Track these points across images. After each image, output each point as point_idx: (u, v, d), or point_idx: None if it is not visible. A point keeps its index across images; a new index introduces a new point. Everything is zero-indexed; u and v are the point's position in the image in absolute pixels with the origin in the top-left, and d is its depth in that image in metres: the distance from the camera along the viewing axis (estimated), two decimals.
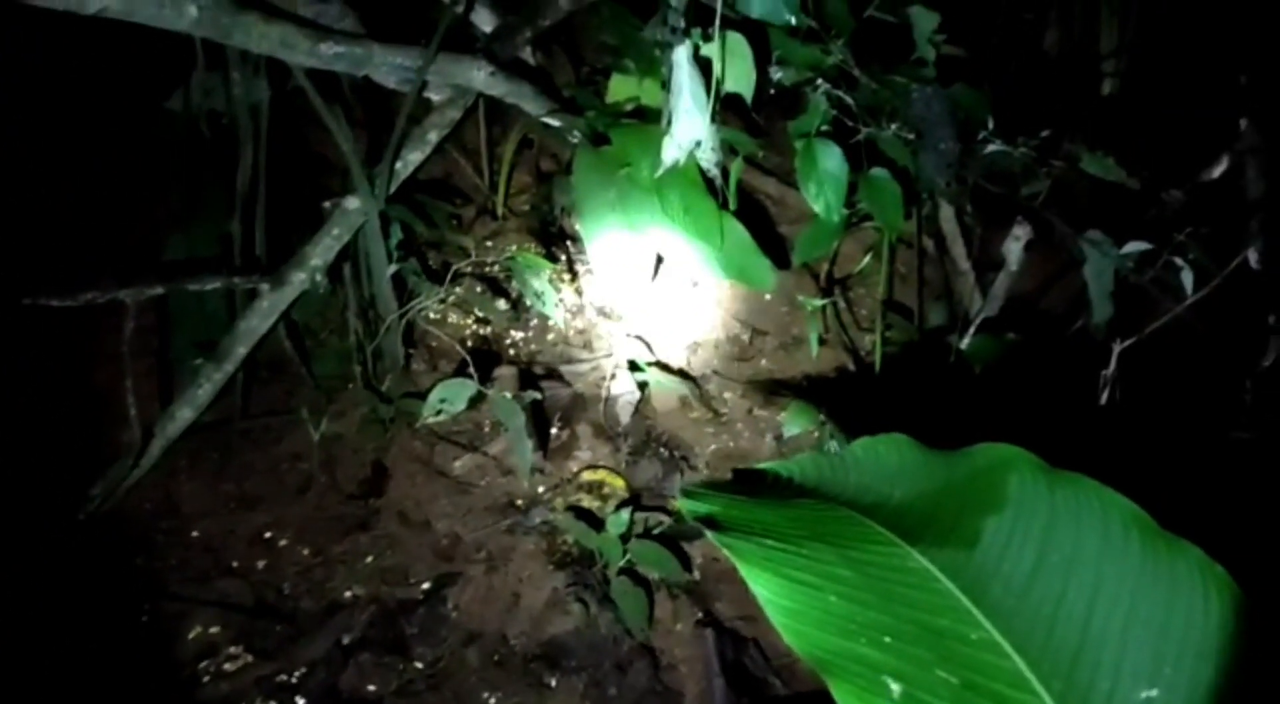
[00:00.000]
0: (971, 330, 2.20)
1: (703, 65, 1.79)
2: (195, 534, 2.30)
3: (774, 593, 1.01)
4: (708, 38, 1.79)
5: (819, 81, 1.88)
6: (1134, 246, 1.79)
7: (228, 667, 2.07)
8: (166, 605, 2.15)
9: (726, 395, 2.55)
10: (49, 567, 2.12)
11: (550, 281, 2.59)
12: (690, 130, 1.82)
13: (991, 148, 1.87)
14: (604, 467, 2.37)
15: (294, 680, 2.04)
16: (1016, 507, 1.09)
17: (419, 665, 2.07)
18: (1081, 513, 1.06)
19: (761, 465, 1.35)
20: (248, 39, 1.72)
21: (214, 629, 2.13)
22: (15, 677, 1.92)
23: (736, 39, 1.84)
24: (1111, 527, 1.03)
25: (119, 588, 2.17)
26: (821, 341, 2.57)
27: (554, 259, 2.73)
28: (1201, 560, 0.99)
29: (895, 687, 0.92)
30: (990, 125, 1.88)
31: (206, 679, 2.04)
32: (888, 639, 0.96)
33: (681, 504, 1.18)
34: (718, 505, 1.17)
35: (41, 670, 1.96)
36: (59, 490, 2.26)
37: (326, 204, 2.31)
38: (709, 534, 1.09)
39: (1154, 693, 0.92)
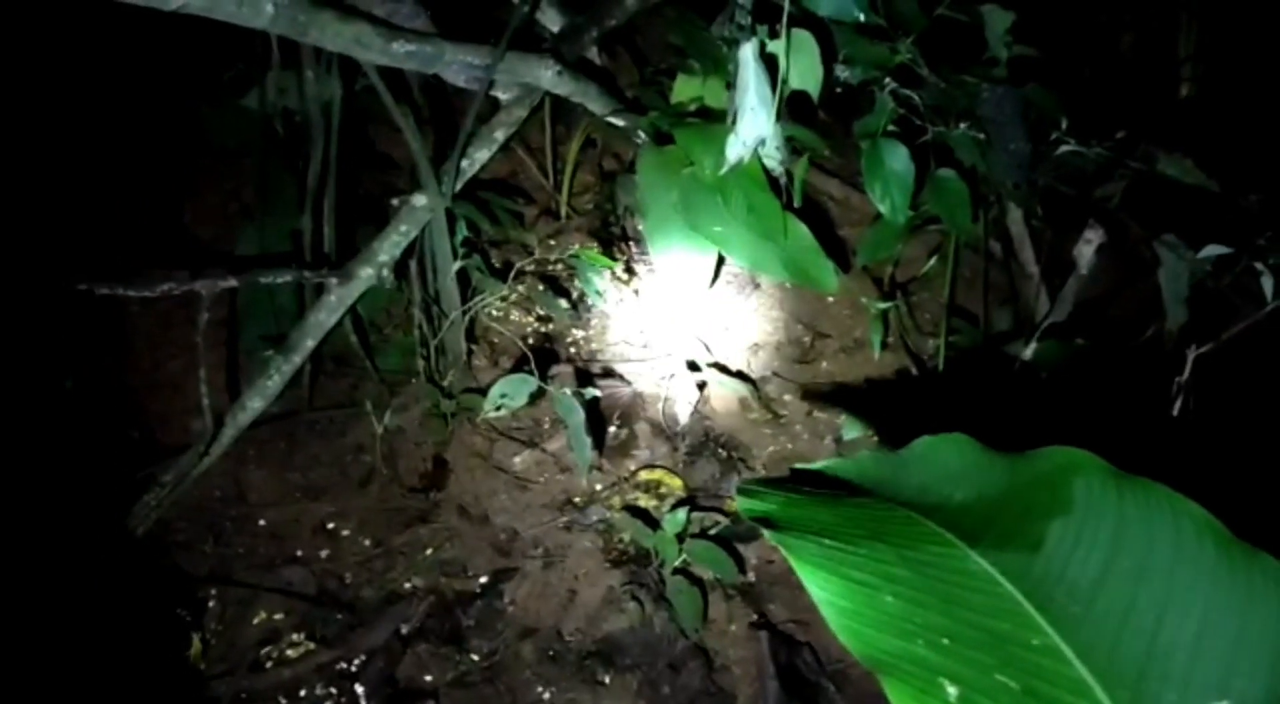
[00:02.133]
0: (1038, 336, 2.15)
1: (769, 63, 1.79)
2: (262, 522, 2.36)
3: (830, 592, 1.00)
4: (774, 35, 1.78)
5: (886, 80, 1.86)
6: (1211, 250, 1.73)
7: (290, 653, 2.12)
8: (232, 591, 2.21)
9: (786, 397, 2.53)
10: (122, 552, 2.19)
11: (612, 281, 2.61)
12: (755, 128, 1.81)
13: (1065, 148, 1.83)
14: (661, 466, 2.38)
15: (353, 668, 2.08)
16: (1083, 511, 1.06)
17: (475, 658, 2.09)
18: (1152, 520, 1.02)
19: (819, 465, 1.34)
20: (323, 37, 1.76)
21: (278, 615, 2.18)
22: (85, 659, 1.99)
23: (803, 36, 1.82)
24: (1184, 534, 1.00)
25: (188, 573, 2.24)
26: (884, 345, 2.54)
27: (616, 258, 2.74)
28: (1277, 571, 0.96)
29: (952, 689, 0.90)
30: (1064, 126, 1.83)
31: (269, 664, 2.09)
32: (946, 641, 0.95)
33: (738, 502, 1.17)
34: (774, 503, 1.16)
35: (110, 653, 2.02)
36: (131, 477, 2.34)
37: (394, 201, 2.35)
38: (765, 532, 1.08)
39: None
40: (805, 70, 1.82)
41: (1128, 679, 0.91)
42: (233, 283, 2.12)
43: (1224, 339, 1.67)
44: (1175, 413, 1.66)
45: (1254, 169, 2.26)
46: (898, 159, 1.92)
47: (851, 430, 2.33)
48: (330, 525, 2.36)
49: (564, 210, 2.91)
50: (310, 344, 2.29)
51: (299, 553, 2.29)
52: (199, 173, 2.87)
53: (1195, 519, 1.00)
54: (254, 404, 2.24)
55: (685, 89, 2.47)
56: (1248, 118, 2.56)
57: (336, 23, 1.75)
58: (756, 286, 2.76)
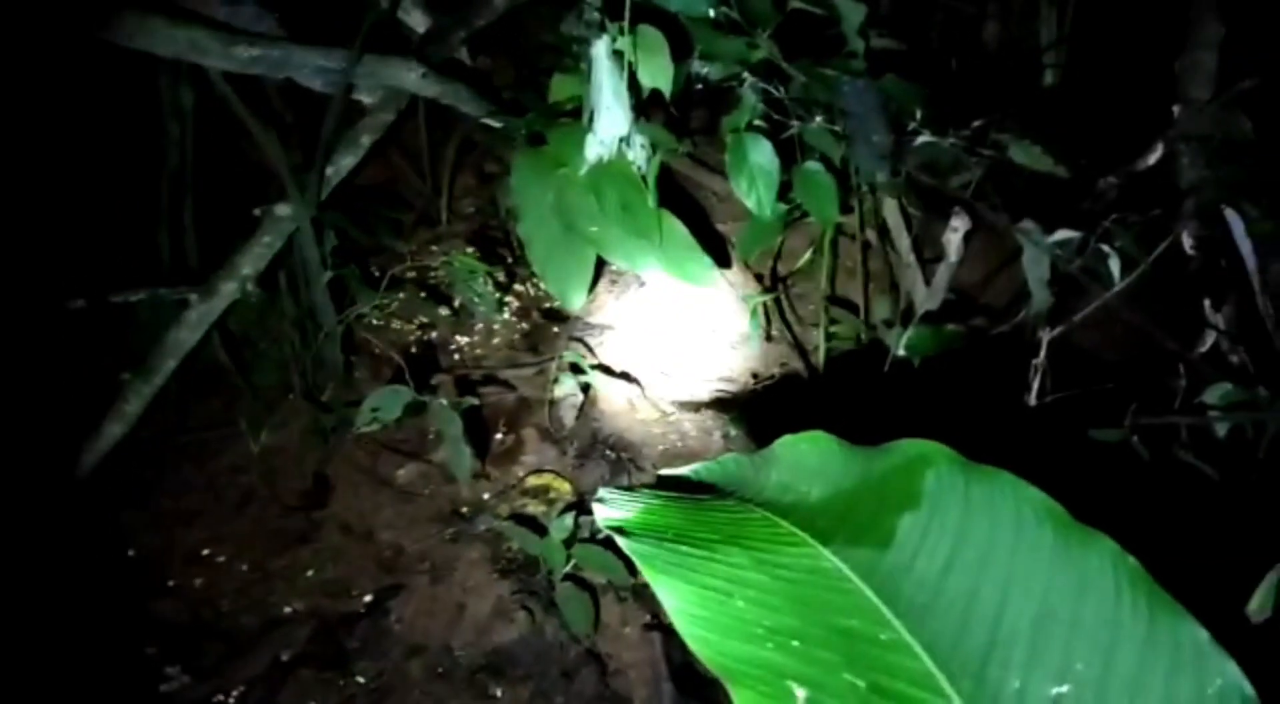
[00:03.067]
0: (912, 324, 2.19)
1: (623, 61, 1.77)
2: (130, 553, 2.24)
3: (682, 600, 0.98)
4: (624, 32, 1.76)
5: (746, 75, 1.86)
6: (1062, 234, 1.78)
7: (164, 688, 2.02)
8: (100, 626, 2.10)
9: (673, 396, 2.53)
10: None
11: (492, 286, 2.56)
12: (613, 126, 1.79)
13: (921, 139, 1.86)
14: (549, 470, 2.34)
15: (231, 700, 1.99)
16: (932, 503, 1.06)
17: (361, 680, 2.02)
18: (996, 507, 1.04)
19: (683, 469, 1.33)
20: (153, 42, 1.68)
21: (150, 649, 2.07)
22: None
23: (651, 33, 1.81)
24: (1025, 520, 1.01)
25: (50, 609, 2.11)
26: (768, 338, 2.55)
27: (498, 262, 2.69)
28: (1115, 552, 0.97)
29: (800, 693, 0.89)
30: (919, 116, 1.86)
31: (142, 701, 1.99)
32: (796, 643, 0.94)
33: (595, 511, 1.15)
34: (631, 512, 1.14)
35: None
36: None
37: (257, 211, 2.26)
38: (618, 541, 1.06)
39: (1065, 689, 0.90)
40: (656, 68, 1.81)
41: (972, 668, 0.92)
42: (79, 304, 2.01)
43: (1075, 321, 1.73)
44: (1032, 395, 1.70)
45: (1112, 154, 2.35)
46: (762, 154, 1.92)
47: (738, 425, 2.34)
48: (205, 552, 2.25)
49: (444, 216, 2.85)
50: (172, 364, 2.19)
51: (171, 583, 2.19)
52: (45, 187, 2.71)
53: (1036, 504, 1.02)
54: (112, 430, 2.13)
55: (562, 88, 2.44)
56: (1107, 104, 2.66)
57: (167, 27, 1.67)
58: (641, 284, 2.75)
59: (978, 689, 0.90)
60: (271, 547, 2.26)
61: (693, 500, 1.20)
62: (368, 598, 2.16)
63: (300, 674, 2.01)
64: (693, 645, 0.95)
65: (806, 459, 1.24)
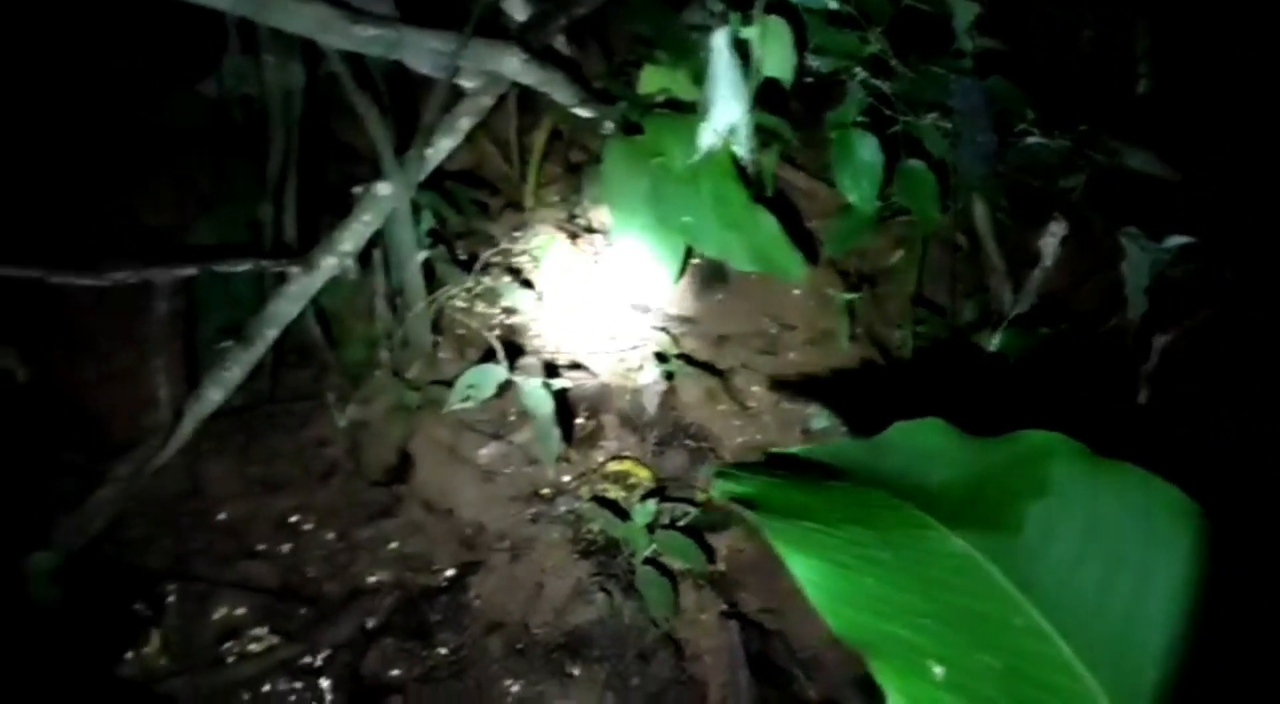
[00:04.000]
0: (1003, 326, 2.17)
1: (741, 51, 1.78)
2: (221, 517, 2.31)
3: (813, 573, 0.99)
4: (746, 22, 1.77)
5: (856, 70, 1.86)
6: (1174, 241, 1.76)
7: (252, 648, 2.08)
8: (192, 587, 2.16)
9: (754, 388, 2.53)
10: (72, 548, 2.12)
11: (578, 273, 2.59)
12: (728, 116, 1.81)
13: (1030, 140, 1.85)
14: (630, 457, 2.36)
15: (318, 663, 2.04)
16: (1061, 493, 1.06)
17: (441, 652, 2.07)
18: (1127, 500, 1.03)
19: (794, 449, 1.34)
20: (283, 18, 1.73)
21: (239, 611, 2.13)
22: (36, 659, 1.93)
23: (777, 23, 1.82)
24: (1156, 514, 1.01)
25: (146, 569, 2.18)
26: (851, 337, 2.55)
27: (584, 250, 2.72)
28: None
29: (938, 670, 0.90)
30: (1029, 117, 1.85)
31: (231, 660, 2.05)
32: (929, 622, 0.94)
33: (715, 485, 1.16)
34: (753, 486, 1.15)
35: (63, 653, 1.97)
36: (82, 473, 2.28)
37: (357, 189, 2.31)
38: (746, 514, 1.08)
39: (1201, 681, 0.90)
40: (779, 58, 1.82)
41: (1109, 656, 0.92)
42: (190, 271, 2.07)
43: (1187, 328, 1.70)
44: (1141, 400, 1.69)
45: (1207, 163, 2.31)
46: (867, 149, 1.93)
47: (820, 420, 2.34)
48: (292, 519, 2.31)
49: (530, 202, 2.88)
50: (271, 334, 2.24)
51: (260, 547, 2.25)
52: (154, 161, 2.79)
53: (1168, 499, 1.02)
54: (212, 395, 2.18)
55: (653, 80, 2.46)
56: (1200, 113, 2.62)
57: (297, 4, 1.71)
58: (723, 279, 2.75)
59: (1116, 678, 0.90)
60: (356, 518, 2.31)
61: (811, 479, 1.21)
62: (449, 573, 2.20)
63: (384, 642, 2.06)
64: (828, 620, 0.96)
65: (923, 445, 1.24)
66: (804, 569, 1.00)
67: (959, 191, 2.20)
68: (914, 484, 1.18)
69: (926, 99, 1.90)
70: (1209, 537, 1.00)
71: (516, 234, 2.82)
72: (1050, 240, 2.10)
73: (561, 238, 2.61)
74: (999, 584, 0.99)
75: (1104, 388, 1.82)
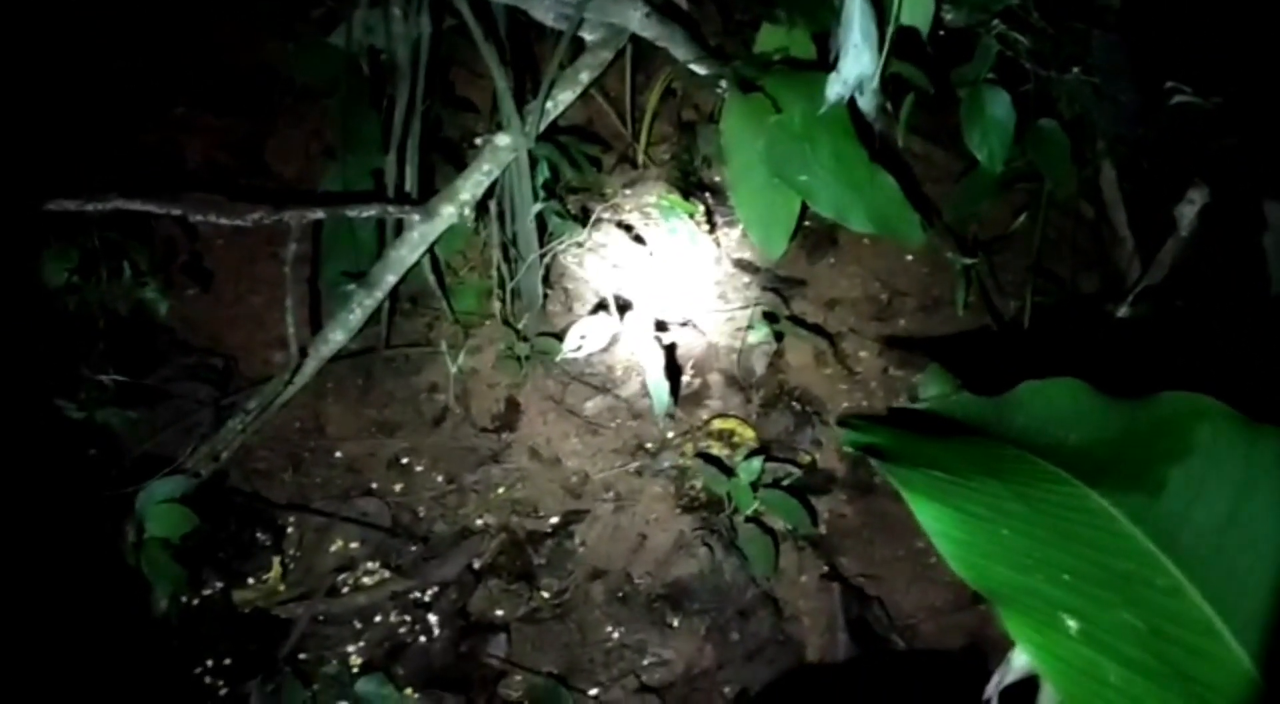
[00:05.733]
0: (1131, 297, 2.09)
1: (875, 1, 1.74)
2: (338, 454, 2.40)
3: (943, 523, 0.98)
4: None
5: (994, 23, 1.80)
6: None
7: (365, 580, 2.16)
8: (311, 519, 2.26)
9: (862, 354, 2.50)
10: (203, 477, 2.23)
11: (690, 230, 2.58)
12: (859, 66, 1.77)
13: (1178, 99, 1.76)
14: (734, 416, 2.36)
15: (426, 598, 2.12)
16: (1207, 456, 1.02)
17: (545, 595, 2.11)
18: None
19: (919, 405, 1.32)
20: None
21: (354, 544, 2.22)
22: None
23: None
24: None
25: (268, 500, 2.29)
26: (965, 305, 2.49)
27: (694, 208, 2.71)
28: None
29: (1073, 624, 0.88)
30: (1178, 76, 1.76)
31: (345, 590, 2.14)
32: (1066, 577, 0.93)
33: (843, 435, 1.16)
34: (882, 437, 1.14)
35: (191, 577, 2.08)
36: (214, 405, 2.40)
37: (478, 140, 2.35)
38: (874, 462, 1.07)
39: None
40: (917, 5, 1.77)
41: (1257, 621, 0.89)
42: (320, 215, 2.14)
43: None
44: None
45: None
46: (999, 106, 1.86)
47: (930, 388, 2.28)
48: (404, 460, 2.39)
49: (642, 160, 2.88)
50: (391, 279, 2.31)
51: (374, 486, 2.33)
52: (283, 111, 2.89)
53: None
54: (336, 336, 2.26)
55: (770, 38, 2.43)
56: None
57: None
58: (834, 243, 2.72)
59: (1265, 642, 0.87)
60: (465, 462, 2.37)
61: (939, 432, 1.19)
62: (554, 520, 2.24)
63: (490, 582, 2.12)
64: (956, 568, 0.95)
65: (1056, 404, 1.21)
66: (932, 518, 0.99)
67: (1092, 155, 2.11)
68: (1048, 442, 1.15)
69: (1066, 54, 1.82)
70: None
71: (628, 191, 2.82)
72: (1188, 209, 2.01)
73: (674, 195, 2.60)
74: (1141, 544, 0.96)
75: (1244, 361, 1.74)
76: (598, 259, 2.66)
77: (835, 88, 1.83)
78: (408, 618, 2.08)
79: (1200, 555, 0.94)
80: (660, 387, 2.11)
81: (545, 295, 2.59)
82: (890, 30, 1.70)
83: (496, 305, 2.54)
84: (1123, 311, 2.06)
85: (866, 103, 1.88)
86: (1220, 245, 2.16)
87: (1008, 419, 1.24)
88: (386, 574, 2.16)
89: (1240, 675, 0.85)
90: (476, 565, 2.16)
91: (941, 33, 1.89)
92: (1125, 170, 2.34)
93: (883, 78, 1.83)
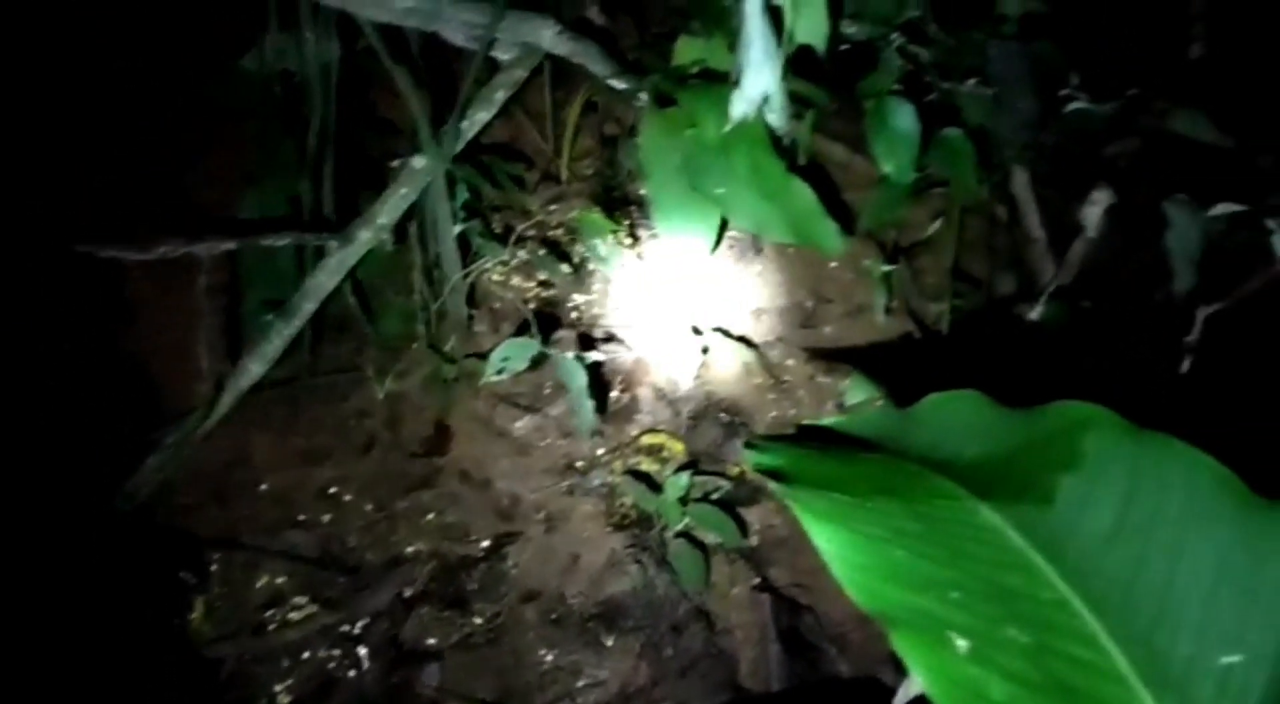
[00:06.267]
0: (1044, 298, 2.13)
1: (774, 17, 1.75)
2: (265, 487, 2.36)
3: (838, 546, 0.99)
4: None
5: (893, 36, 1.83)
6: (1223, 209, 1.71)
7: (294, 616, 2.13)
8: (236, 555, 2.21)
9: (789, 362, 2.52)
10: (120, 516, 2.18)
11: (613, 245, 2.58)
12: (760, 84, 1.78)
13: (1075, 106, 1.80)
14: (663, 430, 2.37)
15: (357, 631, 2.09)
16: (1095, 465, 1.05)
17: (478, 620, 2.10)
18: (1166, 474, 1.01)
19: (826, 421, 1.33)
20: None
21: (281, 579, 2.18)
22: (81, 619, 1.99)
23: None
24: (1198, 489, 0.99)
25: (192, 536, 2.23)
26: (887, 310, 2.52)
27: (620, 222, 2.71)
28: None
29: (962, 643, 0.89)
30: (1073, 83, 1.80)
31: (273, 627, 2.10)
32: (955, 595, 0.94)
33: (747, 456, 1.16)
34: (783, 458, 1.15)
35: (112, 617, 2.02)
36: (131, 442, 2.33)
37: (394, 163, 2.33)
38: (772, 486, 1.07)
39: (1236, 659, 0.88)
40: (813, 23, 1.79)
41: (1140, 632, 0.91)
42: (231, 245, 2.11)
43: (1234, 298, 1.66)
44: (1184, 371, 1.65)
45: (1265, 129, 2.23)
46: (903, 118, 1.89)
47: (855, 395, 2.31)
48: (333, 490, 2.35)
49: (565, 174, 2.88)
50: (310, 307, 2.27)
51: (302, 517, 2.29)
52: (199, 137, 2.83)
53: (1210, 473, 1.00)
54: (254, 368, 2.22)
55: (687, 51, 2.43)
56: (1258, 78, 2.53)
57: None
58: (759, 251, 2.73)
59: (1147, 653, 0.89)
60: (395, 489, 2.34)
61: (843, 450, 1.20)
62: (485, 543, 2.23)
63: (421, 610, 2.10)
64: (850, 591, 0.96)
65: (956, 416, 1.23)
66: (828, 541, 1.00)
67: (996, 162, 2.15)
68: (947, 456, 1.17)
69: (966, 65, 1.86)
70: (1252, 511, 0.97)
71: (552, 207, 2.81)
72: (1093, 210, 2.06)
73: (596, 210, 2.60)
74: (1029, 557, 0.98)
75: (1148, 361, 1.78)
76: (523, 277, 2.65)
77: (739, 105, 1.85)
78: (338, 652, 2.05)
79: (1086, 567, 0.96)
80: (584, 405, 2.11)
81: (471, 316, 2.57)
82: (786, 48, 1.72)
83: (421, 328, 2.51)
84: (1035, 313, 2.10)
85: (775, 118, 1.89)
86: (1127, 245, 2.22)
87: (911, 433, 1.25)
88: (316, 608, 2.13)
89: (1123, 687, 0.87)
90: (408, 594, 2.14)
91: (845, 47, 1.91)
92: (1037, 173, 2.39)
93: (790, 93, 1.85)
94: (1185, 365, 1.64)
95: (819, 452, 1.19)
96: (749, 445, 1.20)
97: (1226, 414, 1.51)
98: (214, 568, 2.20)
